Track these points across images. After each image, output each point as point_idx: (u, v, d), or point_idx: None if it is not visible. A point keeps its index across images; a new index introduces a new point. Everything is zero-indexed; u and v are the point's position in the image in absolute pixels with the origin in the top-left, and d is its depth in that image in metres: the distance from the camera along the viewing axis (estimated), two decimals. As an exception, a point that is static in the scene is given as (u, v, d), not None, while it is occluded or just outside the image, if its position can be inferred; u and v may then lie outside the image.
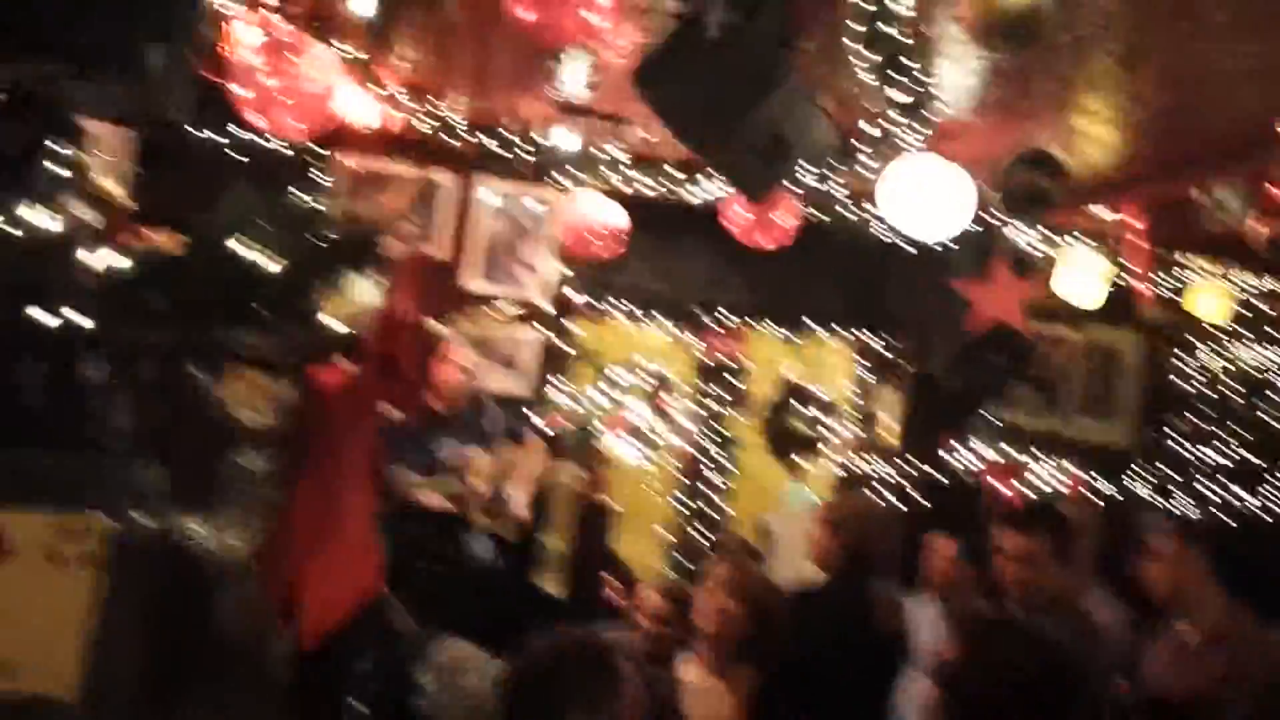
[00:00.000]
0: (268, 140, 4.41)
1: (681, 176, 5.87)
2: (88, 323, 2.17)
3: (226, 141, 4.37)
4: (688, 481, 6.26)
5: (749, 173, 3.65)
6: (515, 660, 2.25)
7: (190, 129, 4.35)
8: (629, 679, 2.27)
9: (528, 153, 5.68)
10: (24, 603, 1.63)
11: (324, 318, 2.86)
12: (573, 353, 5.97)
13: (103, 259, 2.47)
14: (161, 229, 2.89)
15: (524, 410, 5.66)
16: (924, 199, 4.56)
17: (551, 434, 5.55)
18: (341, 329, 2.78)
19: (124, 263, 2.45)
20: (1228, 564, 3.95)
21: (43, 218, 2.40)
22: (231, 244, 2.60)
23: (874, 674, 3.65)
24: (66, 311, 2.20)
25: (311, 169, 4.57)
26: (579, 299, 5.99)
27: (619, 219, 5.45)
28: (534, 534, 5.15)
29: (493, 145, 5.64)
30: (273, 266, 2.60)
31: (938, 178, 4.52)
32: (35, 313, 2.14)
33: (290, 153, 4.44)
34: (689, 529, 6.19)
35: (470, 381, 5.16)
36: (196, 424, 2.26)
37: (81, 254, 2.40)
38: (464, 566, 4.86)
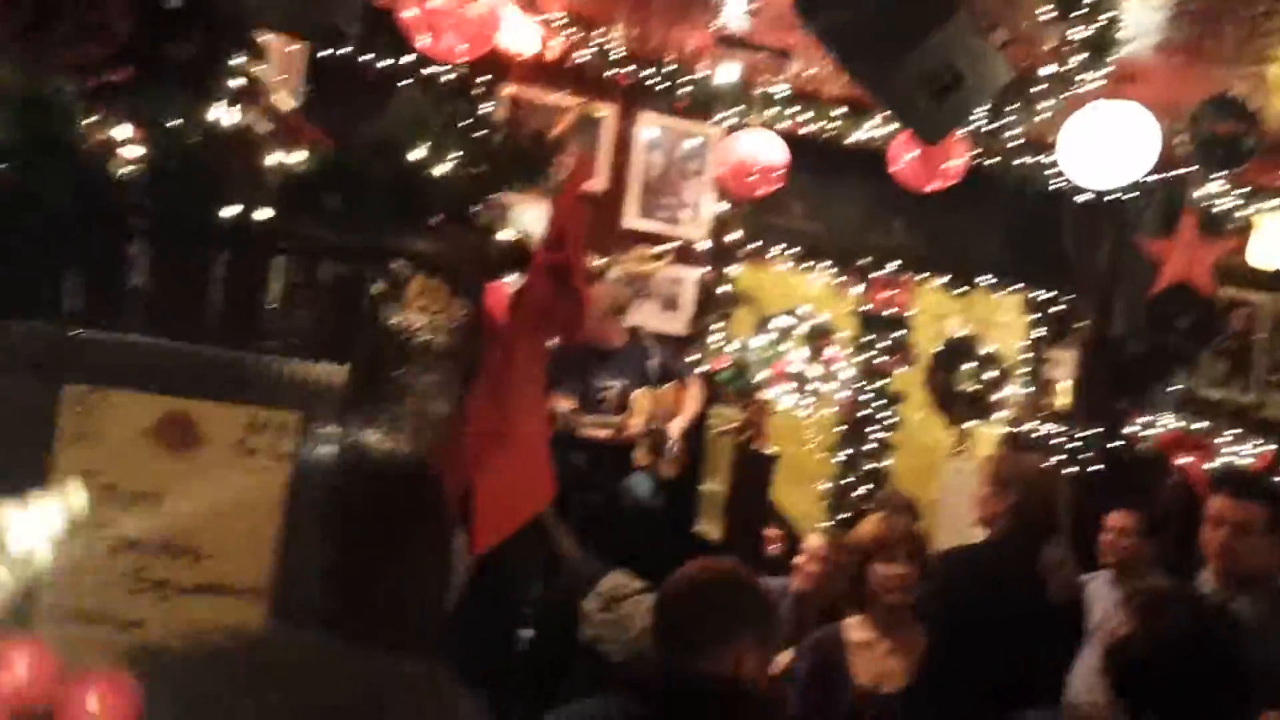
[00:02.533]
0: (434, 65, 4.37)
1: (844, 114, 5.63)
2: (267, 217, 2.12)
3: (394, 62, 4.34)
4: (847, 434, 6.06)
5: (922, 112, 3.48)
6: (669, 581, 2.30)
7: (358, 49, 4.35)
8: (776, 610, 2.35)
9: (687, 86, 5.53)
10: (215, 494, 1.63)
11: (498, 230, 2.78)
12: (733, 295, 5.81)
13: (279, 158, 2.44)
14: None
15: (684, 351, 5.54)
16: (1105, 145, 4.32)
17: (712, 377, 5.42)
18: (514, 239, 2.71)
19: (300, 162, 2.41)
20: None
21: (221, 119, 2.40)
22: (405, 148, 2.55)
23: (1045, 643, 3.46)
24: (246, 210, 2.17)
25: (475, 93, 4.51)
26: (738, 239, 5.81)
27: (779, 156, 5.27)
28: (692, 477, 5.07)
29: (653, 78, 5.51)
30: (446, 172, 2.54)
31: (1121, 122, 4.33)
32: (218, 210, 2.12)
33: (455, 76, 4.38)
34: (847, 483, 6.01)
35: (623, 317, 5.08)
36: (375, 332, 2.20)
37: (260, 155, 2.39)
38: (622, 502, 4.82)
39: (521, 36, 4.93)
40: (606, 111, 5.69)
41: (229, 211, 2.10)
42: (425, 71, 4.41)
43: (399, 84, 4.28)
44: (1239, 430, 6.12)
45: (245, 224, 2.15)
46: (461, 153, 2.54)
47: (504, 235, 2.62)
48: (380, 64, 4.44)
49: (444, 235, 2.33)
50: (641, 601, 3.16)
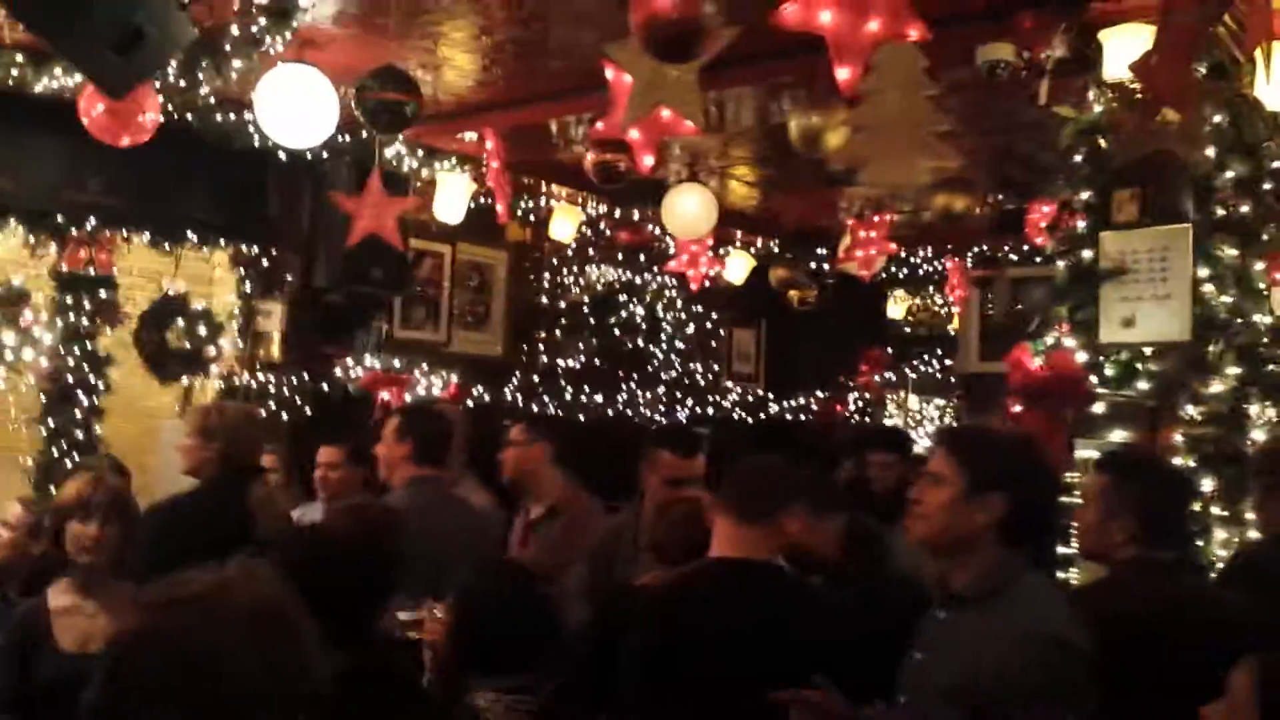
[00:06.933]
0: None
1: (27, 60, 5.21)
2: None
3: None
4: (53, 403, 5.67)
5: (105, 66, 3.43)
6: None
7: None
8: None
9: None
10: None
11: None
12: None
13: None
14: None
15: None
16: (294, 106, 4.60)
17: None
18: None
19: None
20: (576, 452, 4.63)
21: None
22: None
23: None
24: None
25: None
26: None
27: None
28: None
29: None
30: None
31: (304, 85, 4.60)
32: None
33: None
34: (57, 453, 5.62)
35: None
36: None
37: None
38: None
39: None
40: None
41: None
42: None
43: None
44: (438, 367, 7.03)
45: None
46: None
47: None
48: None
49: None
50: None
